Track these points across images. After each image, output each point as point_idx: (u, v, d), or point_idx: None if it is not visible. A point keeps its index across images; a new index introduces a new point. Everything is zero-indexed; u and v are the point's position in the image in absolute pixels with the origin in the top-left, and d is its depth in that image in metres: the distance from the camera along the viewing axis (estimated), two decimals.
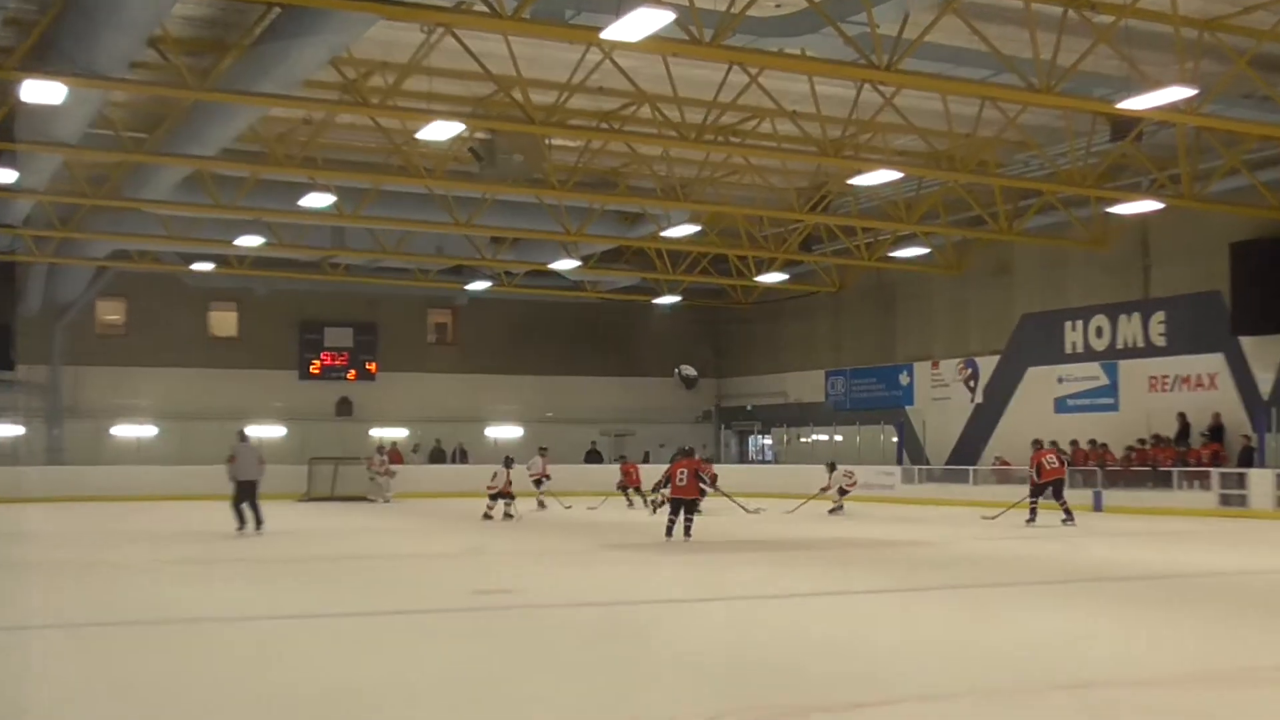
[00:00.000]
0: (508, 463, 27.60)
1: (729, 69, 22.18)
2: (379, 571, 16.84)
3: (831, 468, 30.73)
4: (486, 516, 26.62)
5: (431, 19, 18.97)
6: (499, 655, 9.72)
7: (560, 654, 9.88)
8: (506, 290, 42.02)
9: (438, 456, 42.41)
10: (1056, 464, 25.28)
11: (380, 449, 37.14)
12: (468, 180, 28.73)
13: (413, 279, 40.27)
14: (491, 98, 24.45)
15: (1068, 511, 24.47)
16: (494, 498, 26.84)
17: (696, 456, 23.68)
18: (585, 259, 38.10)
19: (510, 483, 27.12)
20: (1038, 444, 26.32)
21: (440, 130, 22.65)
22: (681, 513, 20.47)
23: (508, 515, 26.57)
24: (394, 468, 36.66)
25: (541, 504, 31.01)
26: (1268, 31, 20.81)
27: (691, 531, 20.38)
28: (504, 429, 45.00)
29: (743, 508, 26.98)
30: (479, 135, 26.85)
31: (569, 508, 30.50)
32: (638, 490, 32.35)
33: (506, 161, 27.28)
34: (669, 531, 20.34)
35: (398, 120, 24.63)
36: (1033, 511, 24.96)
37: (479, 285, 41.17)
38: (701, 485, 21.40)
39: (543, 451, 32.71)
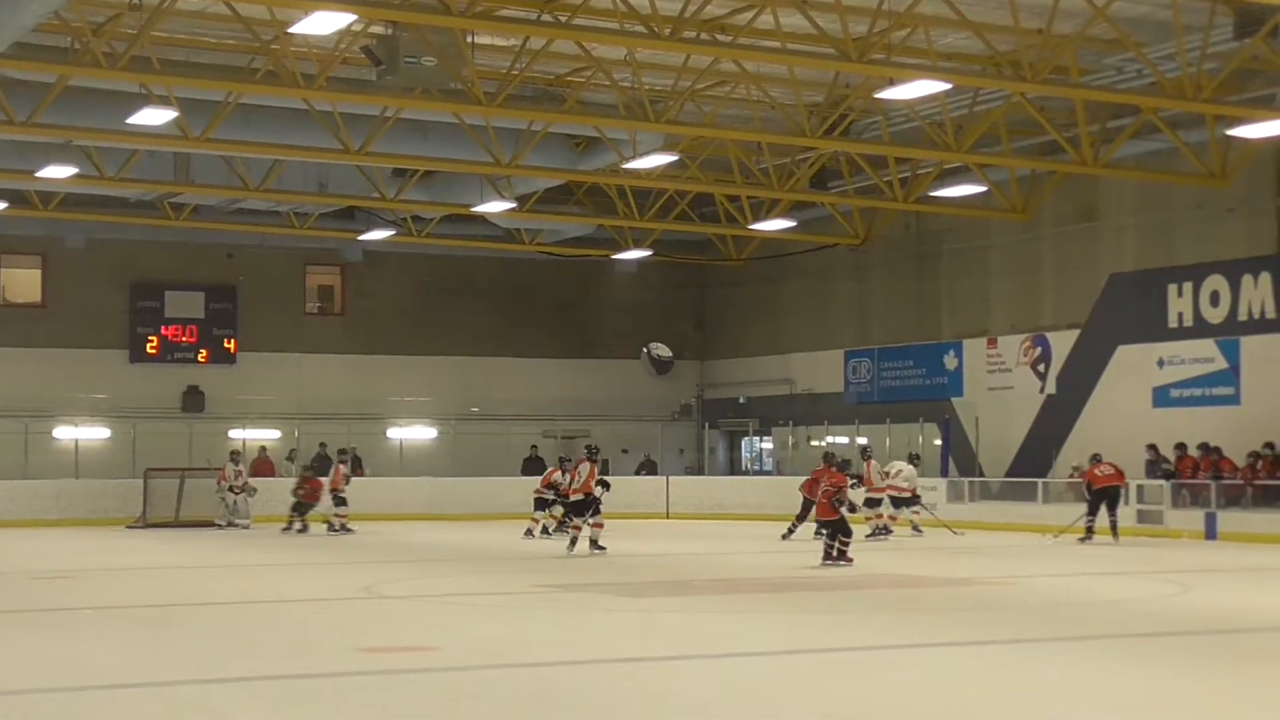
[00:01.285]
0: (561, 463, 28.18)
1: None
2: (233, 624, 16.62)
3: (865, 454, 30.84)
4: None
5: None
6: None
7: None
8: (415, 242, 41.77)
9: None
10: (1112, 471, 26.07)
11: (236, 456, 36.65)
12: (361, 92, 28.41)
13: (286, 225, 39.96)
14: None
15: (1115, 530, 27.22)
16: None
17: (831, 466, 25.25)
18: (522, 200, 37.77)
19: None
20: (1096, 459, 26.88)
21: (323, 22, 22.38)
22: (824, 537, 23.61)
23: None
24: (255, 482, 36.27)
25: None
26: None
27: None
28: (412, 429, 44.88)
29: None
30: (376, 30, 26.50)
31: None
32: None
33: (414, 66, 26.91)
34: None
35: (264, 7, 24.31)
36: (1089, 530, 26.08)
37: (377, 235, 41.02)
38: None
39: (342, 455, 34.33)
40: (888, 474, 30.65)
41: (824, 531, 23.69)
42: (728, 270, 45.81)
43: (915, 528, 30.84)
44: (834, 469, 25.64)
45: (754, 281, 45.65)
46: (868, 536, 29.08)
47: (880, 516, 30.18)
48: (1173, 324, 34.12)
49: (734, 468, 46.55)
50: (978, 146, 31.98)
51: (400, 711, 10.71)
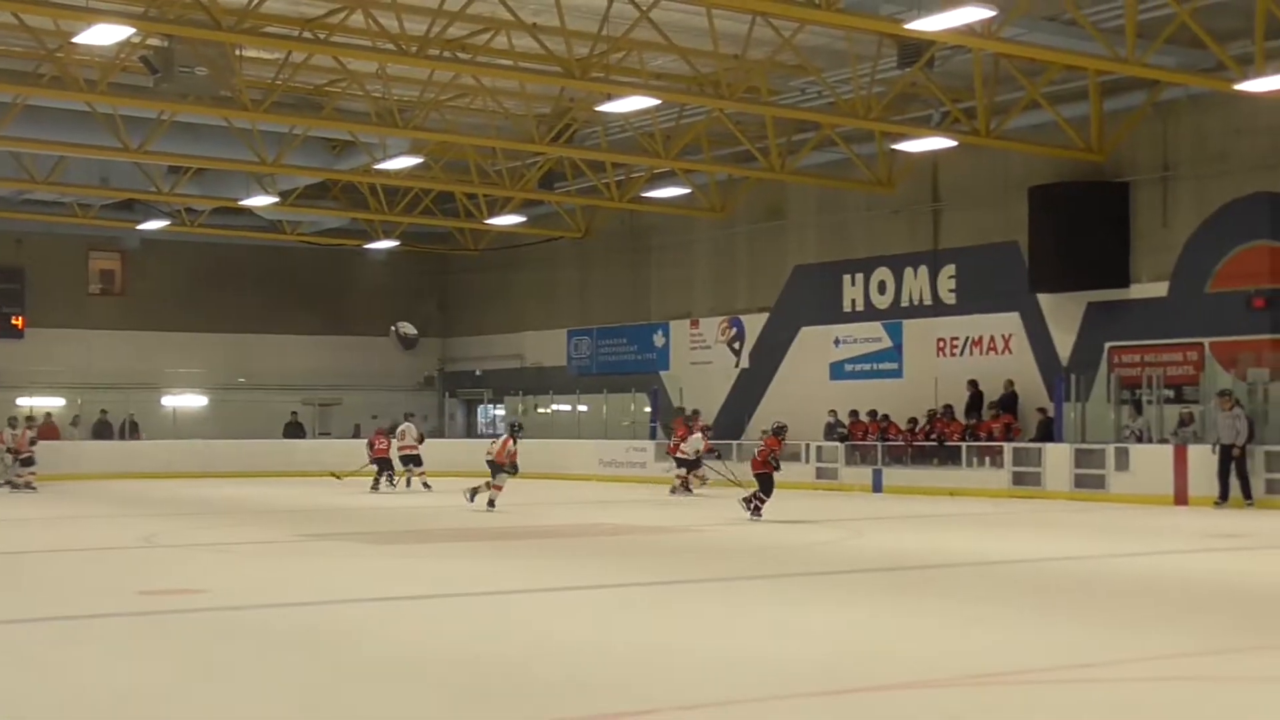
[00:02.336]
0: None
1: None
2: (13, 570, 16.23)
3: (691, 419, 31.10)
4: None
5: None
6: (171, 667, 9.48)
7: (250, 664, 9.67)
8: (187, 231, 41.02)
9: (103, 431, 41.22)
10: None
11: (14, 421, 35.46)
12: (139, 96, 27.77)
13: (70, 215, 39.04)
14: None
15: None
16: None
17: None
18: (284, 195, 37.37)
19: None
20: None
21: (104, 34, 21.90)
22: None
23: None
24: (42, 445, 35.16)
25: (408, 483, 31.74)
26: None
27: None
28: (185, 397, 44.09)
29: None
30: (153, 42, 25.96)
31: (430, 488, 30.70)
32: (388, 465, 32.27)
33: (187, 75, 26.45)
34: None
35: (49, 19, 23.67)
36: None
37: (153, 225, 40.22)
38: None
39: (409, 418, 33.65)
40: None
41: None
42: (466, 259, 45.76)
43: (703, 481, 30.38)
44: (684, 420, 28.70)
45: (489, 269, 45.62)
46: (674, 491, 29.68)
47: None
48: (847, 309, 34.92)
49: (471, 431, 46.45)
50: (683, 154, 32.41)
51: (173, 647, 10.52)
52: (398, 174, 34.49)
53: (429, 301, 47.68)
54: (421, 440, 32.47)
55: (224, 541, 19.62)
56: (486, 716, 7.95)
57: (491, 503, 24.04)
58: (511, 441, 24.62)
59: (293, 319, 45.14)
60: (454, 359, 48.01)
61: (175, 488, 32.74)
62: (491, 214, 39.41)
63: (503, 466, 24.35)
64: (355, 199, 39.01)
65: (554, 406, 42.41)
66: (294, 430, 43.18)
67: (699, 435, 29.94)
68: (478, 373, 46.78)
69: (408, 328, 46.70)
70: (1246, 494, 25.05)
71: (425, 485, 31.06)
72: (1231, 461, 25.06)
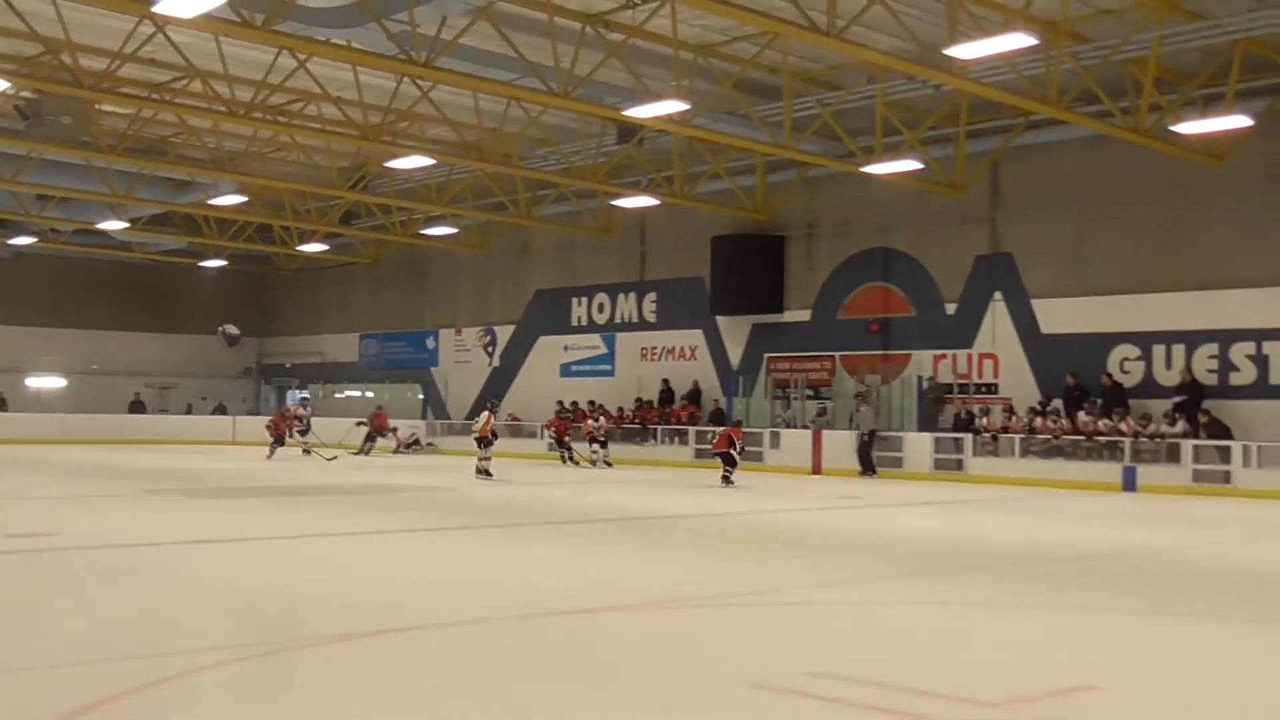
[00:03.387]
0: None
1: (278, 53, 21.58)
2: None
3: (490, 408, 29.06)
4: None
5: None
6: (31, 591, 9.26)
7: (90, 589, 9.47)
8: (52, 246, 39.30)
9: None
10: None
11: None
12: (13, 137, 26.55)
13: None
14: (39, 58, 22.78)
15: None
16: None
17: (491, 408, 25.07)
18: (134, 221, 36.06)
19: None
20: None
21: None
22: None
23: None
24: None
25: (306, 451, 30.92)
26: (750, 60, 22.18)
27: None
28: (46, 379, 42.20)
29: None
30: (25, 94, 24.89)
31: (333, 459, 29.26)
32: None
33: (54, 122, 25.39)
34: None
35: None
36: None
37: (23, 240, 38.45)
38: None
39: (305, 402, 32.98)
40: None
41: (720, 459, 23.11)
42: (281, 276, 44.83)
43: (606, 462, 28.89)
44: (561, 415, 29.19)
45: (299, 285, 44.77)
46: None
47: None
48: (574, 323, 35.21)
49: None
50: (452, 202, 32.31)
51: (32, 575, 10.26)
52: (226, 208, 33.62)
53: (250, 308, 46.40)
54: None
55: (76, 495, 18.94)
56: (275, 633, 7.88)
57: (488, 472, 23.15)
58: (492, 418, 24.22)
59: (138, 319, 43.61)
60: (269, 354, 46.89)
61: (37, 452, 31.36)
62: (301, 242, 38.72)
63: (486, 439, 23.64)
64: (192, 226, 37.86)
65: (348, 392, 41.93)
66: (137, 407, 41.80)
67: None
68: (288, 365, 45.81)
69: (232, 329, 45.41)
70: (872, 468, 26.05)
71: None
72: (865, 444, 26.09)
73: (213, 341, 45.27)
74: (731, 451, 22.77)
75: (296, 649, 7.41)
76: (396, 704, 6.11)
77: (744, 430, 24.61)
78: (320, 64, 22.22)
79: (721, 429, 24.87)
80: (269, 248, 39.76)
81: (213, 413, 42.78)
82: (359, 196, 32.40)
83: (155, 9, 16.47)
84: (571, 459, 29.21)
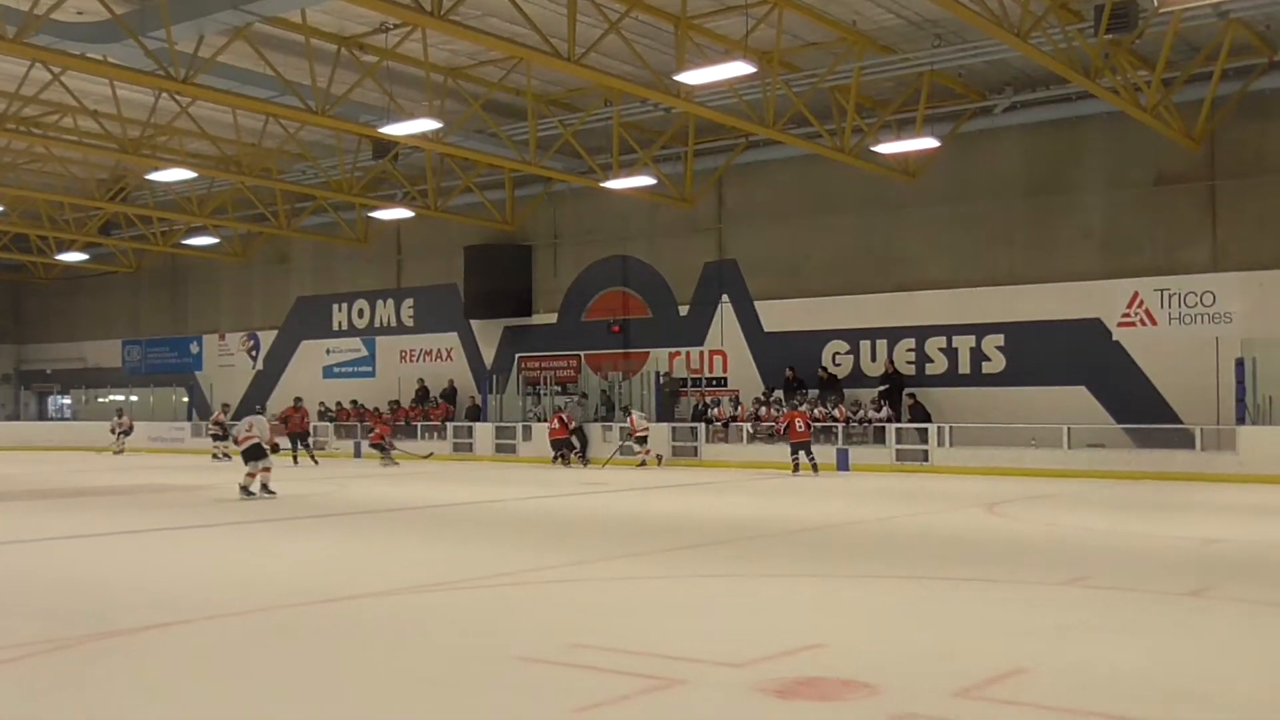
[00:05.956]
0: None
1: (31, 65, 20.29)
2: None
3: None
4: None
5: None
6: None
7: None
8: None
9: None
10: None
11: None
12: None
13: None
14: None
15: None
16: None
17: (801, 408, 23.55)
18: None
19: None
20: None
21: None
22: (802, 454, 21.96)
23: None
24: None
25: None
26: (496, 83, 22.10)
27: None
28: None
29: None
30: None
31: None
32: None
33: None
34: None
35: None
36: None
37: None
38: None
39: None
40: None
41: (799, 452, 21.92)
42: (39, 285, 42.05)
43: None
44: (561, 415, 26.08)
45: (58, 294, 42.12)
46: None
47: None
48: (336, 328, 34.40)
49: (43, 415, 42.85)
50: (213, 213, 31.13)
51: None
52: None
53: (6, 316, 43.52)
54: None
55: None
56: (55, 633, 7.45)
57: (267, 488, 18.18)
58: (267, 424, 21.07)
59: None
60: (28, 360, 43.98)
61: None
62: (60, 251, 36.60)
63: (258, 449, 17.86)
64: None
65: (111, 397, 39.71)
66: None
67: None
68: (49, 371, 43.12)
69: None
70: (584, 457, 26.27)
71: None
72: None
73: None
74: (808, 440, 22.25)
75: (72, 646, 7.03)
76: (174, 696, 5.89)
77: (490, 424, 24.27)
78: (76, 78, 21.02)
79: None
80: (25, 256, 37.44)
81: None
82: (118, 208, 30.79)
83: None
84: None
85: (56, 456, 29.17)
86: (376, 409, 31.91)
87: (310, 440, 28.30)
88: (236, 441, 17.78)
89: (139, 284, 39.78)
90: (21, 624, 7.72)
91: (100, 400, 39.99)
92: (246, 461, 17.36)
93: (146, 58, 17.85)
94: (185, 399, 37.90)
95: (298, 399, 29.72)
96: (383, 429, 27.76)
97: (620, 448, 25.95)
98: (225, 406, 31.99)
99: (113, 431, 32.40)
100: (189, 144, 26.81)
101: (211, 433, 30.25)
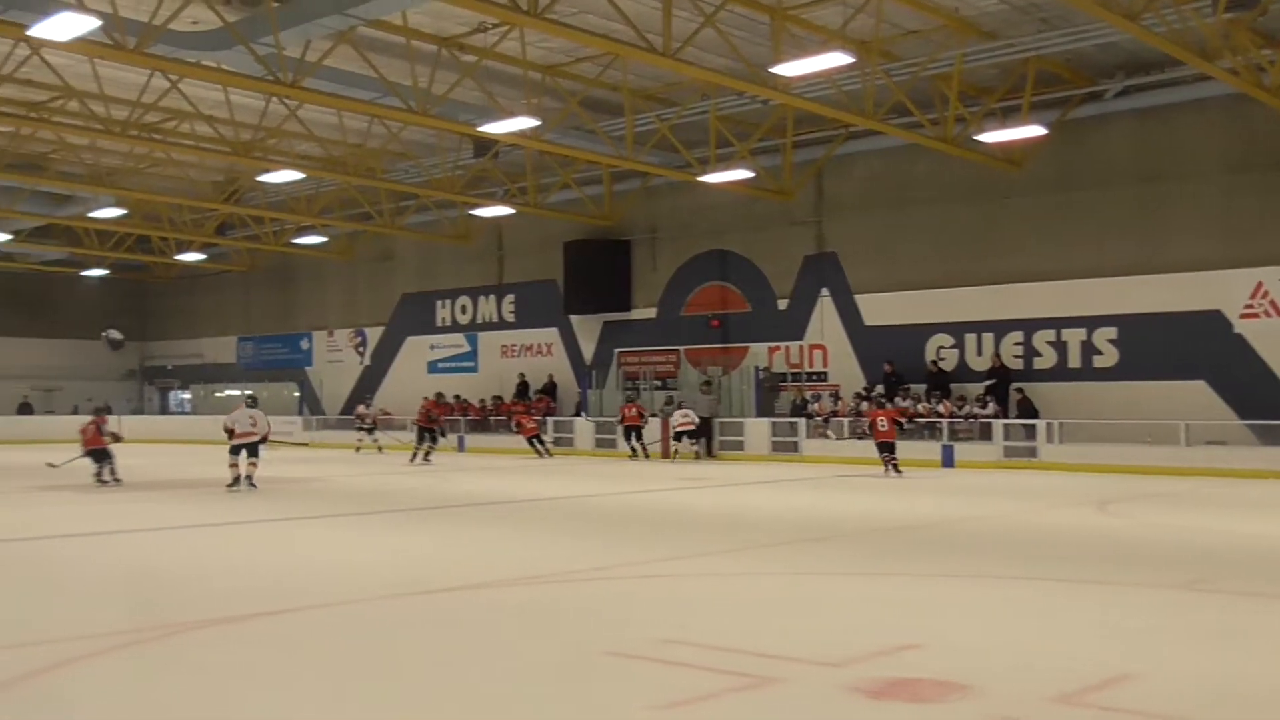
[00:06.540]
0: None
1: (151, 74, 20.76)
2: None
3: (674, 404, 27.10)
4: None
5: None
6: None
7: None
8: None
9: None
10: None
11: None
12: None
13: None
14: None
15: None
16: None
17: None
18: (15, 233, 34.52)
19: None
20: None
21: None
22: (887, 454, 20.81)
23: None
24: None
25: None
26: (593, 79, 22.05)
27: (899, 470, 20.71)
28: None
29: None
30: None
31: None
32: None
33: None
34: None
35: None
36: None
37: None
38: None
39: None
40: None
41: (885, 452, 20.76)
42: (161, 283, 43.23)
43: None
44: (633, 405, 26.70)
45: (178, 292, 43.30)
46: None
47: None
48: (439, 324, 34.73)
49: (165, 410, 44.06)
50: (321, 213, 31.59)
51: None
52: (106, 220, 32.35)
53: (132, 314, 44.69)
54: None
55: None
56: (165, 617, 7.57)
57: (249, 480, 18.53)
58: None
59: (25, 325, 41.59)
60: (151, 357, 45.24)
61: None
62: (179, 252, 37.50)
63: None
64: (73, 238, 36.38)
65: (227, 392, 40.67)
66: (25, 409, 40.11)
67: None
68: (169, 367, 44.34)
69: (115, 333, 43.88)
70: (710, 451, 26.16)
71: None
72: (710, 428, 26.20)
73: (97, 346, 43.65)
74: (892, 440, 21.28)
75: (185, 631, 7.15)
76: (282, 681, 5.92)
77: (590, 419, 24.36)
78: (192, 84, 21.46)
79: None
80: (148, 257, 38.41)
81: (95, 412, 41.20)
82: (232, 209, 31.42)
83: (30, 32, 15.71)
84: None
85: (180, 449, 29.88)
86: (457, 397, 32.18)
87: (437, 435, 26.75)
88: (232, 434, 17.98)
89: (251, 282, 40.64)
90: (136, 610, 7.85)
91: (217, 395, 40.97)
92: (248, 454, 17.86)
93: (256, 63, 18.16)
94: (296, 394, 38.63)
95: (439, 394, 30.66)
96: (433, 408, 27.24)
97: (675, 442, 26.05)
98: (368, 400, 32.52)
99: (362, 425, 31.11)
100: (297, 146, 27.25)
101: (356, 425, 30.74)
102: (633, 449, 26.53)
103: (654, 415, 27.28)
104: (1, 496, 17.38)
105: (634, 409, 26.85)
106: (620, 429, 27.12)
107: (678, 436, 25.59)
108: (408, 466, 24.17)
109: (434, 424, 26.48)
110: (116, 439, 19.50)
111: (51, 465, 20.63)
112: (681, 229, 29.15)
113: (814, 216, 26.99)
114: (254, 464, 17.95)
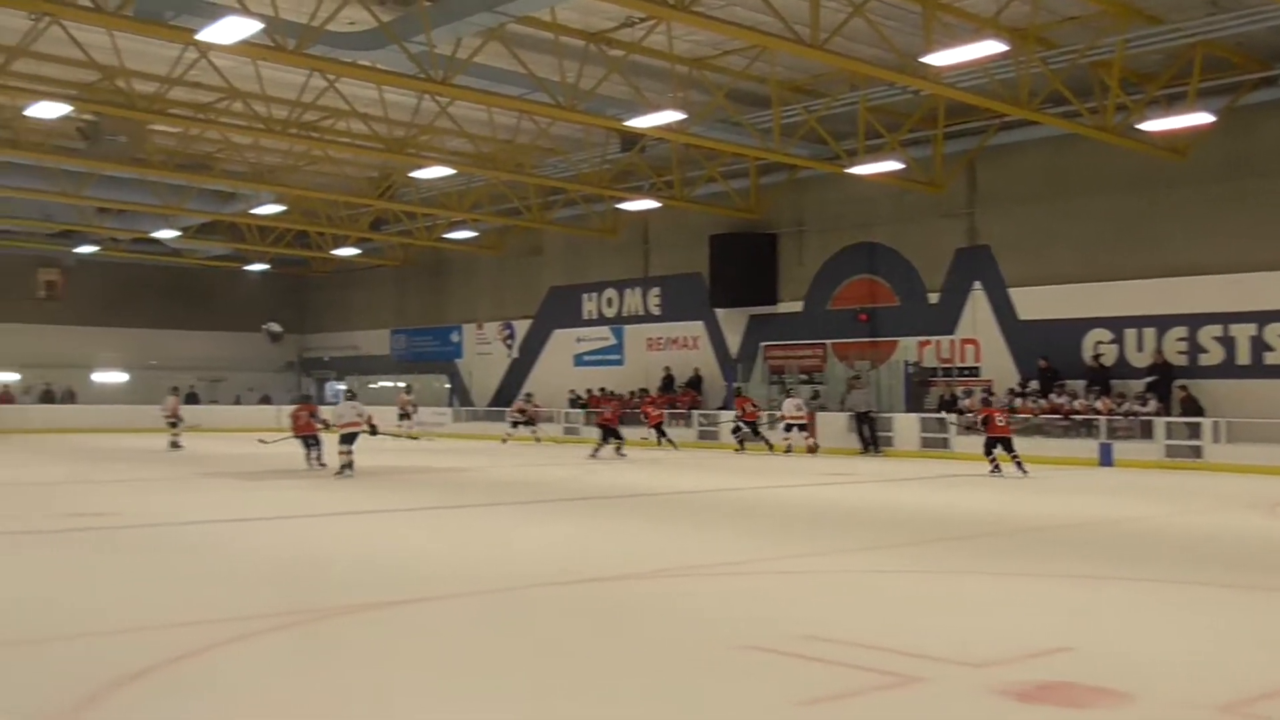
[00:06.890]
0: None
1: (310, 74, 21.39)
2: None
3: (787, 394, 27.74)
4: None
5: (37, 8, 17.21)
6: (86, 566, 9.16)
7: (142, 564, 9.39)
8: (112, 254, 39.53)
9: (47, 398, 39.56)
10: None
11: None
12: (75, 155, 26.42)
13: (23, 240, 37.66)
14: (97, 84, 22.64)
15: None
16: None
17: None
18: (184, 229, 35.99)
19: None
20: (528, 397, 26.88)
21: (47, 109, 20.69)
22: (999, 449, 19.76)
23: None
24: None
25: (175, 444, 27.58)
26: (740, 71, 21.96)
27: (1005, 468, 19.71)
28: (110, 375, 42.18)
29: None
30: (86, 117, 24.76)
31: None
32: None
33: (111, 142, 25.40)
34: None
35: (6, 98, 22.38)
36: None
37: (86, 248, 38.53)
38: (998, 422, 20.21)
39: (174, 391, 30.82)
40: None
41: (996, 447, 19.83)
42: (318, 277, 44.64)
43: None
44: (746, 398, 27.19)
45: (335, 286, 44.63)
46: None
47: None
48: (586, 317, 35.03)
49: (321, 399, 45.34)
50: (471, 208, 32.12)
51: (94, 554, 10.11)
52: (267, 217, 33.44)
53: (291, 307, 46.15)
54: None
55: (137, 478, 18.86)
56: (313, 602, 7.78)
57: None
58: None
59: (190, 318, 43.53)
60: (309, 349, 46.74)
61: (101, 440, 31.36)
62: (335, 246, 38.54)
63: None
64: (236, 234, 37.77)
65: (381, 383, 41.79)
66: (191, 399, 41.68)
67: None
68: (326, 358, 45.73)
69: (275, 326, 45.33)
70: (875, 446, 25.82)
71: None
72: (864, 423, 25.86)
73: (258, 338, 45.19)
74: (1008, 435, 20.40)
75: (333, 616, 7.34)
76: (426, 664, 6.02)
77: (732, 411, 24.21)
78: (348, 83, 22.03)
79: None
80: (306, 252, 39.60)
81: (259, 403, 42.72)
82: (386, 204, 32.21)
83: (199, 37, 16.36)
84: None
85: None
86: (604, 390, 32.37)
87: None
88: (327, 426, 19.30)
89: (404, 276, 41.60)
90: (287, 594, 8.08)
91: (371, 386, 42.03)
92: (343, 443, 18.89)
93: (409, 62, 18.57)
94: (447, 385, 39.43)
95: (612, 391, 31.37)
96: (613, 407, 27.16)
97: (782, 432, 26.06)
98: (529, 395, 32.44)
99: (520, 419, 31.05)
100: (448, 143, 27.76)
101: (512, 419, 31.06)
102: (740, 442, 26.82)
103: (764, 410, 27.44)
104: (168, 483, 18.08)
105: (749, 403, 27.27)
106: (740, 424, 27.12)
107: (788, 428, 25.86)
108: (589, 461, 23.79)
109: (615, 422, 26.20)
110: (326, 426, 20.48)
111: (262, 442, 22.04)
112: (829, 221, 28.84)
113: (966, 208, 26.43)
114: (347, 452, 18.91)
